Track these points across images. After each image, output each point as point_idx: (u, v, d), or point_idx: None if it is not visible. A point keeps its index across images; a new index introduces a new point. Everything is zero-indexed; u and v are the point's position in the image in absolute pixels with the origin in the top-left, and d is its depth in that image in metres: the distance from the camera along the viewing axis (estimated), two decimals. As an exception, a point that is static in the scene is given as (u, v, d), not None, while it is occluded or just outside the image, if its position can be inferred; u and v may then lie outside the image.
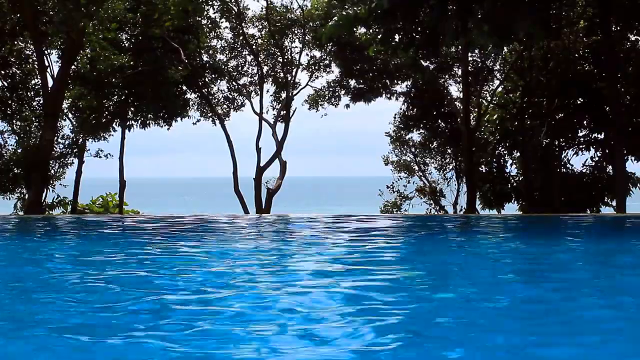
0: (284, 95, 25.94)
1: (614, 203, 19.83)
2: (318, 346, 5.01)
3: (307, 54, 25.85)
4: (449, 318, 5.90)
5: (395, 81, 24.27)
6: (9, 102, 21.76)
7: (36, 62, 20.03)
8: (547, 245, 10.93)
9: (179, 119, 24.41)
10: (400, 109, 24.58)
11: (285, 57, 25.64)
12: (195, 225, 13.53)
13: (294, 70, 25.80)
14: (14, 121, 21.81)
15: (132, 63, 21.99)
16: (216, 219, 14.33)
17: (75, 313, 6.05)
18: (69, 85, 21.52)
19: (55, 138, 21.10)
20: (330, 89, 25.53)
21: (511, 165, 23.35)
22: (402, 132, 25.06)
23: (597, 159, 21.41)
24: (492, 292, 7.02)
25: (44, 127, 19.19)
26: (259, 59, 25.41)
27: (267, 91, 26.38)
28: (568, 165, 21.79)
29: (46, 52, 20.83)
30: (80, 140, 23.04)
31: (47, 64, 20.49)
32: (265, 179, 25.55)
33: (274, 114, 26.16)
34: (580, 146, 21.54)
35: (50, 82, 19.62)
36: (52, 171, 22.04)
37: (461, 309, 6.17)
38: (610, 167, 20.86)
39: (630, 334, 5.33)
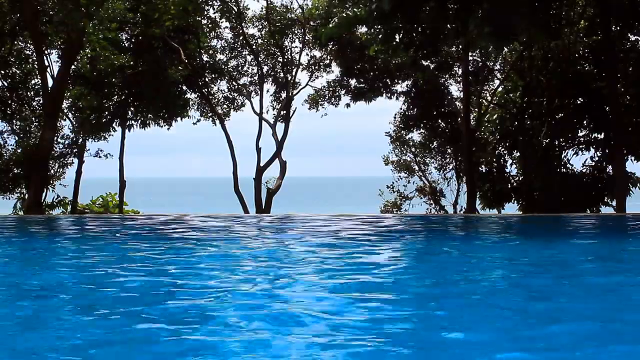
0: (284, 95, 25.95)
1: (614, 203, 19.82)
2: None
3: (307, 54, 25.90)
4: (448, 318, 5.91)
5: (396, 81, 24.26)
6: (9, 102, 21.78)
7: (36, 62, 20.04)
8: (546, 245, 10.93)
9: (179, 119, 24.45)
10: (401, 108, 24.59)
11: (285, 57, 25.64)
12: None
13: (294, 70, 25.82)
14: (14, 121, 21.84)
15: (132, 63, 22.01)
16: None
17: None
18: (69, 85, 21.54)
19: (55, 138, 21.12)
20: (330, 89, 25.52)
21: (511, 165, 23.34)
22: (402, 132, 25.07)
23: (597, 159, 21.40)
24: (490, 293, 7.02)
25: (43, 127, 19.20)
26: (259, 59, 25.42)
27: (267, 91, 26.44)
28: (568, 165, 21.78)
29: (46, 52, 20.85)
30: (80, 140, 23.06)
31: (47, 64, 20.55)
32: (265, 179, 25.58)
33: (274, 114, 26.19)
34: (580, 146, 21.52)
35: (50, 82, 19.63)
36: (52, 171, 22.07)
37: (461, 309, 6.18)
38: (610, 167, 20.85)
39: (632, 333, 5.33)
